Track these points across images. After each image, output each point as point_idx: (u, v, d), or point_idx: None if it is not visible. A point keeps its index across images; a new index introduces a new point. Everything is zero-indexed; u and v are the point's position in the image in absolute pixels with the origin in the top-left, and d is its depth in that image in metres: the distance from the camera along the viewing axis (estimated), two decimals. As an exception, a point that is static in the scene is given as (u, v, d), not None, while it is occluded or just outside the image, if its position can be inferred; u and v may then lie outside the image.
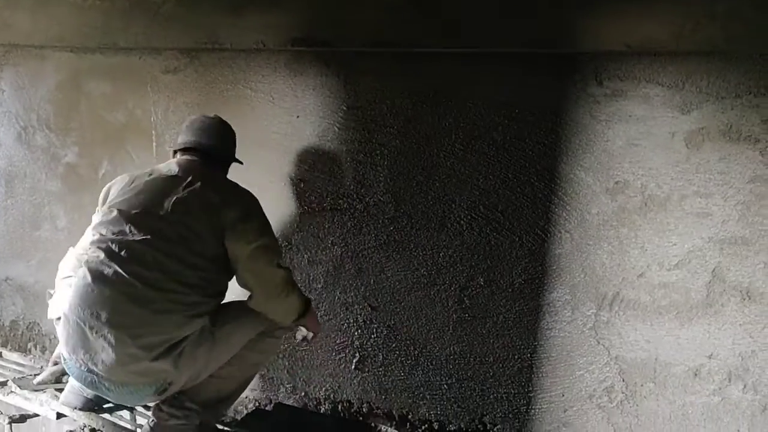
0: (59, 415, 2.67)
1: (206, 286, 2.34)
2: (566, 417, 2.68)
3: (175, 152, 2.61)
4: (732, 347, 2.39)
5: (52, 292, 2.60)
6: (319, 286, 3.03)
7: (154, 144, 3.21)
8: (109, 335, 2.16)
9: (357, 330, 2.98)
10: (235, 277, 2.45)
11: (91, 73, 3.31)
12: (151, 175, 2.45)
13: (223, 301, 2.48)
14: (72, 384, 2.64)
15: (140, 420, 2.69)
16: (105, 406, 2.69)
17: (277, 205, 3.01)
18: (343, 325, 3.01)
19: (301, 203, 2.98)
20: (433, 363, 2.88)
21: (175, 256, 2.26)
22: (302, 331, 2.69)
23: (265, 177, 3.01)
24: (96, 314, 2.17)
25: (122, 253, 2.23)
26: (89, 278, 2.22)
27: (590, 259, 2.56)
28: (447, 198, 2.74)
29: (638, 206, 2.45)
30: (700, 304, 2.41)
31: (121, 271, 2.20)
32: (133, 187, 2.41)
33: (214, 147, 2.59)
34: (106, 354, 2.17)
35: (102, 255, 2.25)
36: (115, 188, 2.48)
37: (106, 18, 3.12)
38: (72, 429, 3.10)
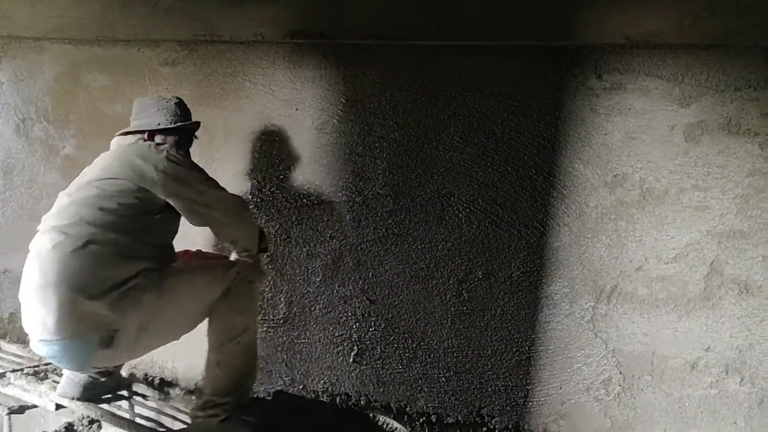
0: (58, 407, 2.67)
1: (141, 233, 2.37)
2: (564, 409, 2.69)
3: None
4: (729, 340, 2.39)
5: None
6: (318, 279, 3.03)
7: (152, 136, 3.20)
8: (47, 293, 2.19)
9: (355, 323, 2.98)
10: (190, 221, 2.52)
11: (89, 65, 3.30)
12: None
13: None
14: (67, 374, 2.65)
15: (138, 409, 2.69)
16: (104, 396, 2.70)
17: (276, 198, 3.01)
18: (341, 318, 3.01)
19: (299, 196, 2.98)
20: (431, 356, 2.89)
21: (104, 209, 2.31)
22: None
23: (264, 169, 3.01)
24: (35, 283, 2.24)
25: (54, 221, 2.31)
26: (30, 256, 2.33)
27: (588, 252, 2.56)
28: (446, 191, 2.74)
29: (636, 199, 2.45)
30: (698, 297, 2.41)
31: (53, 233, 2.26)
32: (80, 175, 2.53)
33: (135, 123, 2.64)
34: (48, 311, 2.19)
35: (41, 230, 2.35)
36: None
37: (105, 10, 3.11)
38: (71, 420, 3.11)
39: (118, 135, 2.62)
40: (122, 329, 2.29)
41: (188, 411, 2.66)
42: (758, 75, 2.25)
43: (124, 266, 2.29)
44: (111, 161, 2.45)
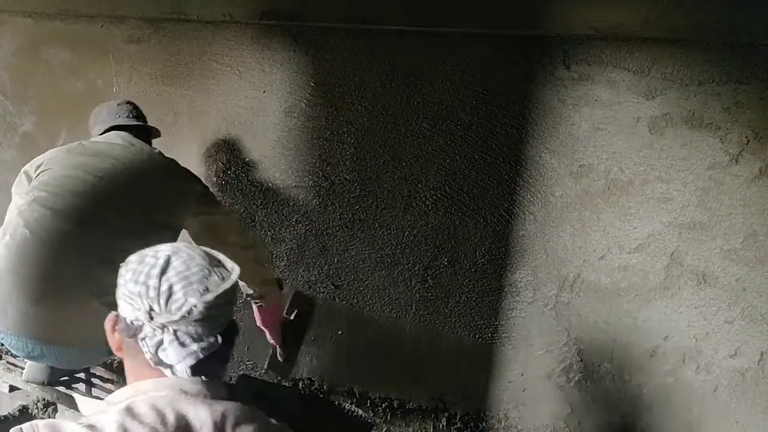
0: (12, 389, 2.60)
1: None
2: (525, 396, 2.73)
3: None
4: (687, 329, 2.45)
5: None
6: (283, 264, 3.01)
7: (115, 115, 3.14)
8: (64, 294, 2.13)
9: (320, 308, 2.97)
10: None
11: (50, 40, 3.22)
12: None
13: None
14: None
15: (96, 392, 2.64)
16: (61, 378, 2.64)
17: (241, 181, 2.98)
18: (305, 302, 3.00)
19: (265, 179, 2.95)
20: (395, 342, 2.89)
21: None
22: None
23: (229, 152, 2.97)
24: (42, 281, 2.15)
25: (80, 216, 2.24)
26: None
27: (553, 241, 2.59)
28: (413, 178, 2.74)
29: (601, 190, 2.49)
30: (658, 287, 2.46)
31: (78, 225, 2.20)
32: None
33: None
34: (65, 316, 2.12)
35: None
36: None
37: (68, -17, 3.04)
38: (25, 403, 3.04)
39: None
40: None
41: None
42: (721, 70, 2.29)
43: None
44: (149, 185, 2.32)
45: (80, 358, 2.27)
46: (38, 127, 3.32)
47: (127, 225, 2.18)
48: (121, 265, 1.25)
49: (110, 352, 2.22)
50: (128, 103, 2.64)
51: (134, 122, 2.56)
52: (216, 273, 1.21)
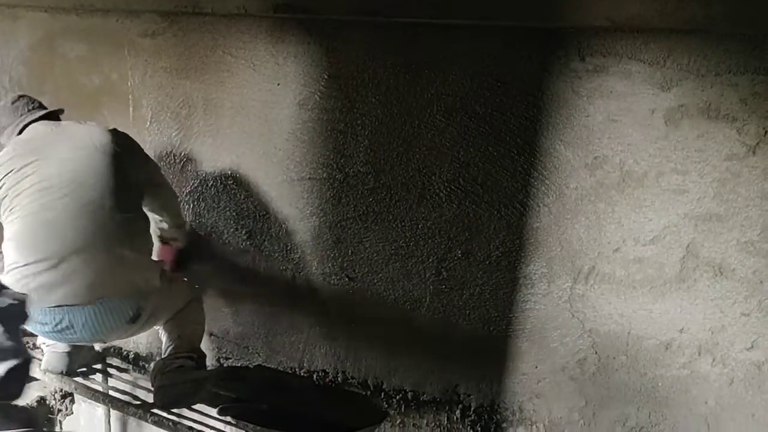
0: (30, 380, 2.64)
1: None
2: (539, 388, 2.73)
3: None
4: (703, 321, 2.43)
5: None
6: (297, 256, 3.02)
7: (131, 109, 3.16)
8: (93, 254, 2.42)
9: (334, 301, 2.99)
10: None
11: (66, 34, 3.24)
12: None
13: None
14: (51, 348, 2.61)
15: (112, 382, 2.68)
16: (78, 370, 2.67)
17: (256, 174, 2.99)
18: (320, 295, 3.01)
19: (279, 172, 2.96)
20: (409, 334, 2.90)
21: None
22: None
23: (244, 144, 2.98)
24: (76, 245, 2.44)
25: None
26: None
27: (567, 233, 2.58)
28: (427, 170, 2.74)
29: (616, 182, 2.47)
30: (674, 279, 2.45)
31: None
32: None
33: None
34: (95, 271, 2.38)
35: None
36: None
37: (83, -22, 3.05)
38: (42, 395, 3.07)
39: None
40: (144, 309, 2.46)
41: None
42: (738, 60, 2.26)
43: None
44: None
45: (107, 317, 2.36)
46: (55, 121, 3.34)
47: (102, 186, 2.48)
48: None
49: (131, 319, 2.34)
50: (21, 96, 2.77)
51: (41, 112, 2.71)
52: None
